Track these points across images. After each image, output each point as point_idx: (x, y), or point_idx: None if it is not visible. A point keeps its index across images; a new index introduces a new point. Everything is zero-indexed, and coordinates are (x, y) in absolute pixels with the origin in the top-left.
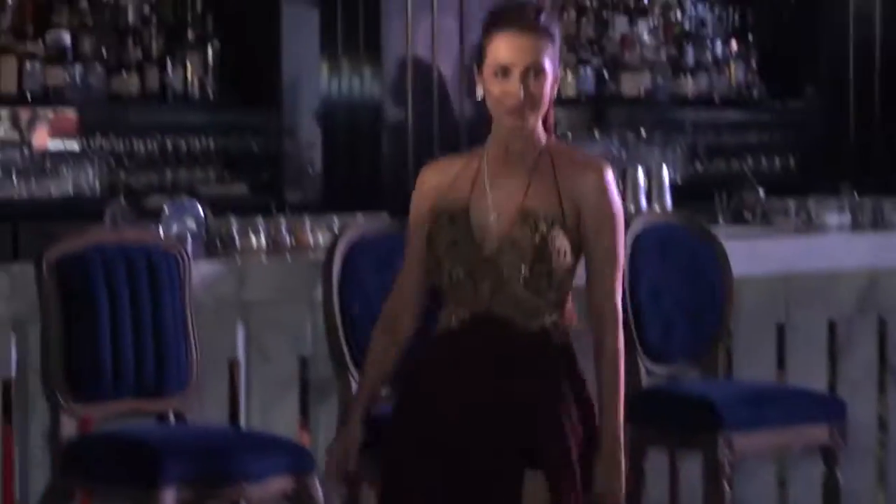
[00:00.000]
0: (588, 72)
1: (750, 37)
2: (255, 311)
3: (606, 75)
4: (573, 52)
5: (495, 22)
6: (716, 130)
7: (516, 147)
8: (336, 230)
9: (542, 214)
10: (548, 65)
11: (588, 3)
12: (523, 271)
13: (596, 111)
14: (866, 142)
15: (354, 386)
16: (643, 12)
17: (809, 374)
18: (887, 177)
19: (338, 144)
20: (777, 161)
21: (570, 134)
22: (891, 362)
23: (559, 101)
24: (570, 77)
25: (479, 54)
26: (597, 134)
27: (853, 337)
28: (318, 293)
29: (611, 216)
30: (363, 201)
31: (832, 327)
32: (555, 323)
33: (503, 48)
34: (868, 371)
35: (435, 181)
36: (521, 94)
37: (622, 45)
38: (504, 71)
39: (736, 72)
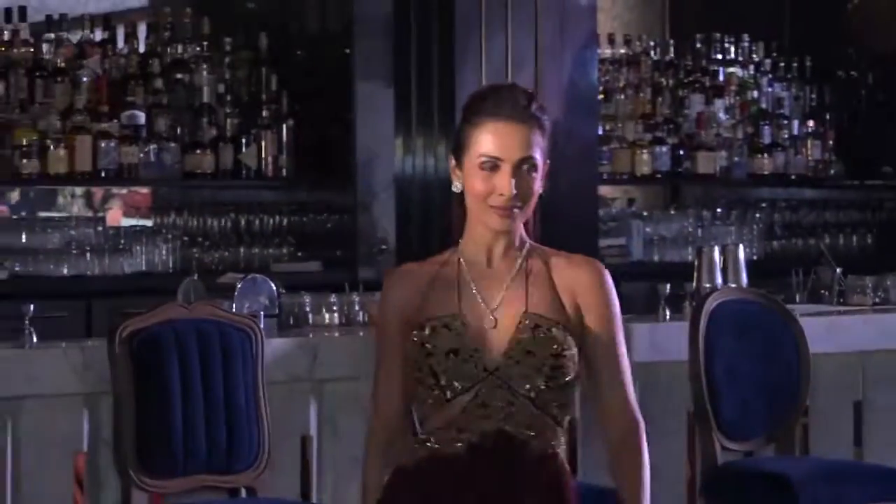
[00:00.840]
0: (664, 150)
1: (827, 116)
2: (328, 388)
3: (682, 153)
4: (649, 131)
5: (482, 108)
6: (792, 209)
7: (499, 248)
8: None
9: (552, 321)
10: (539, 158)
11: (664, 82)
12: (538, 384)
13: (671, 189)
14: None
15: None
16: (719, 91)
17: (887, 452)
18: None
19: (411, 222)
20: (854, 239)
21: (645, 213)
22: None
23: (635, 178)
24: (645, 155)
25: (460, 143)
26: (672, 212)
27: None
28: None
29: (617, 319)
30: None
31: None
32: (563, 446)
33: (492, 139)
34: None
35: (406, 289)
36: (512, 191)
37: (698, 124)
38: (492, 165)
39: (812, 150)
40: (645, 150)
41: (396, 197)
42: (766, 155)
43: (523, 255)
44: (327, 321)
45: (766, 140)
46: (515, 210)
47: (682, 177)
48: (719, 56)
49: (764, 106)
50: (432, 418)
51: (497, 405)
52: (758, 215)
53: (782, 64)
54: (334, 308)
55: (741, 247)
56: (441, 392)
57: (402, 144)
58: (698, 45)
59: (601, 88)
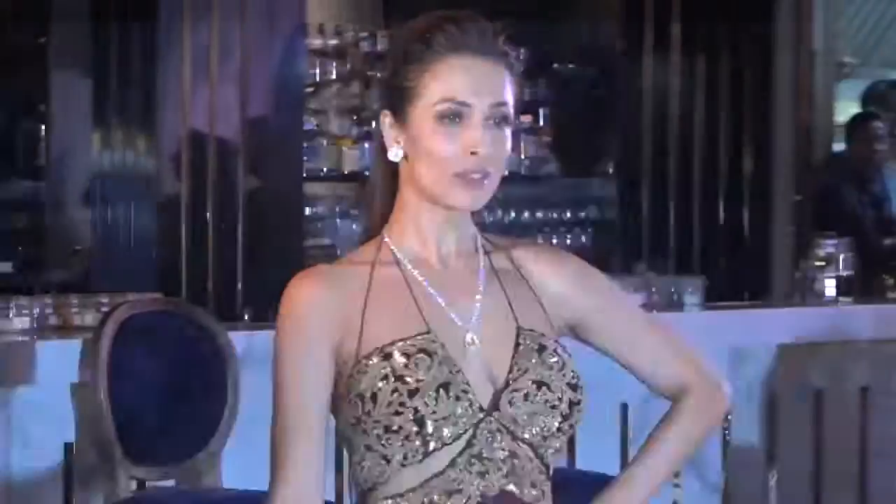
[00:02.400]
0: (373, 146)
1: (541, 110)
2: (17, 396)
3: None
4: (358, 126)
5: (436, 41)
6: (504, 207)
7: (451, 240)
8: (104, 310)
9: (551, 339)
10: (512, 108)
11: (375, 75)
12: (552, 426)
13: None
14: (661, 219)
15: (122, 475)
16: None
17: None
18: (684, 256)
19: (108, 220)
20: (568, 239)
21: (353, 212)
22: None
23: (343, 175)
24: (353, 151)
25: (402, 89)
26: None
27: None
28: (86, 375)
29: (604, 281)
30: (134, 281)
31: None
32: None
33: (455, 79)
34: None
35: (338, 299)
36: (487, 147)
37: None
38: (456, 114)
39: (526, 146)
40: (353, 146)
41: (92, 194)
42: None
43: (481, 249)
44: (16, 326)
45: None
46: (486, 181)
47: None
48: None
49: None
50: (397, 478)
51: (497, 456)
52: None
53: None
54: (24, 312)
55: None
56: (422, 443)
57: (99, 138)
58: None
59: (310, 81)
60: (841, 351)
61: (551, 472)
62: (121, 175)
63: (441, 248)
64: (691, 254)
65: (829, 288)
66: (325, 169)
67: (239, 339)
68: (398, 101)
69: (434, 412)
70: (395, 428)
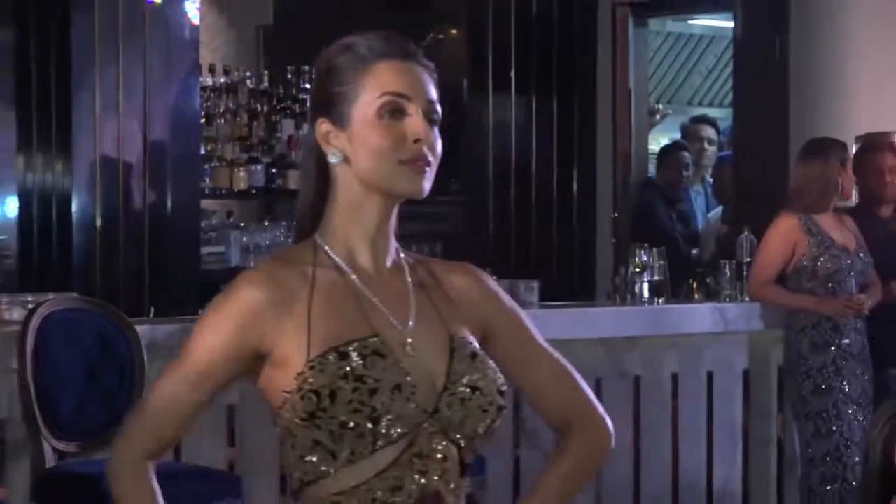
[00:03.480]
0: (259, 168)
1: None
2: None
3: (275, 171)
4: (245, 151)
5: (364, 48)
6: None
7: (384, 248)
8: (30, 307)
9: (476, 346)
10: (440, 112)
11: (259, 108)
12: (479, 429)
13: (265, 203)
14: (504, 232)
15: (46, 447)
16: (307, 116)
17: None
18: (523, 263)
19: (32, 232)
20: (426, 249)
21: (242, 224)
22: None
23: (233, 193)
24: (242, 172)
25: (338, 94)
26: (266, 223)
27: None
28: (14, 362)
29: (512, 302)
30: (55, 283)
31: None
32: None
33: (395, 75)
34: None
35: (274, 303)
36: (429, 137)
37: (289, 145)
38: (396, 108)
39: None
40: (242, 168)
41: (19, 209)
42: None
43: (404, 261)
44: None
45: None
46: (428, 170)
47: (275, 192)
48: (307, 86)
49: None
50: (341, 476)
51: (436, 456)
52: None
53: None
54: None
55: None
56: (372, 440)
57: (23, 161)
58: (289, 76)
59: (203, 113)
60: (655, 343)
61: (467, 473)
62: (42, 192)
63: (373, 256)
64: (529, 261)
65: (645, 290)
66: (218, 187)
67: (144, 332)
68: (334, 106)
69: (389, 411)
70: (350, 425)
